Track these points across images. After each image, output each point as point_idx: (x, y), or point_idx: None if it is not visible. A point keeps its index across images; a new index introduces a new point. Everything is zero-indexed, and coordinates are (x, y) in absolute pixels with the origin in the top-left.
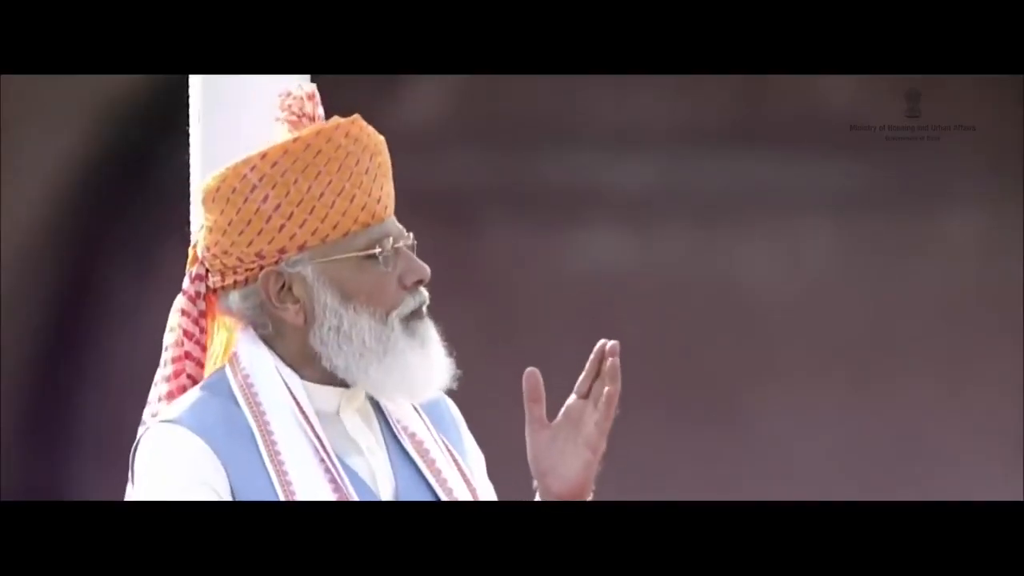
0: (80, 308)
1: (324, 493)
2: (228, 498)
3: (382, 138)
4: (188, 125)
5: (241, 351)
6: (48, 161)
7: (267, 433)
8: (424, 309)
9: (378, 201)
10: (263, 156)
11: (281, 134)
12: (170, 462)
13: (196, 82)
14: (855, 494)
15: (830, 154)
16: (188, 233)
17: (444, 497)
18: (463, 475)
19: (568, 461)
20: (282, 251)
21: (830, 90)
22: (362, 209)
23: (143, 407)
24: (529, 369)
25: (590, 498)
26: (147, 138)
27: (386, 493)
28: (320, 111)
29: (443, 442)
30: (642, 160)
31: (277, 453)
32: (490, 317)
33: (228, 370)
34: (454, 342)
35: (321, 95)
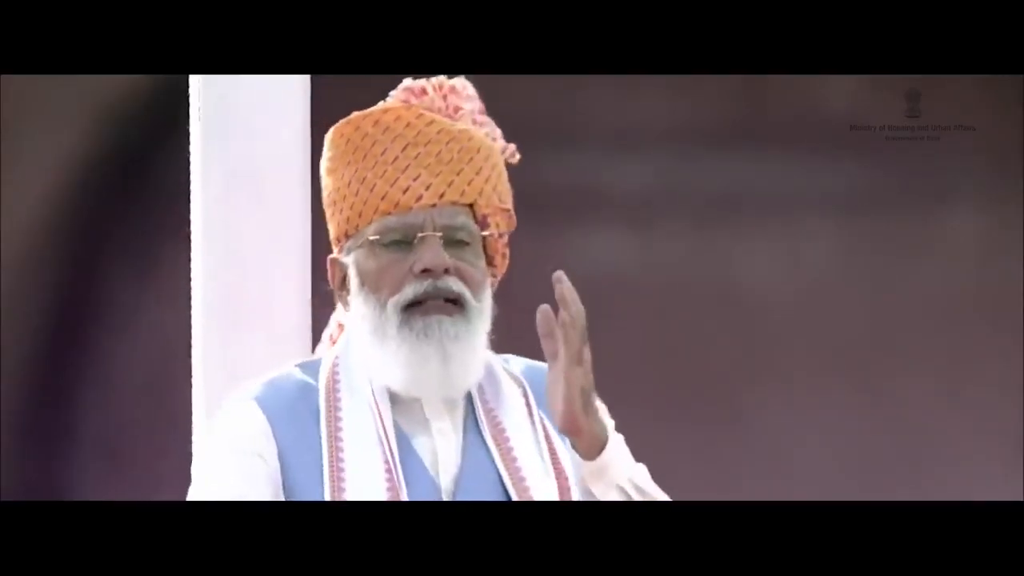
0: (80, 308)
1: (375, 475)
2: (275, 471)
3: (441, 129)
4: (188, 125)
5: (345, 332)
6: (48, 161)
7: (334, 410)
8: (433, 303)
9: (404, 191)
10: (324, 146)
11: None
12: (224, 432)
13: (196, 82)
14: (855, 494)
15: (830, 154)
16: (188, 233)
17: (510, 483)
18: (553, 457)
19: (554, 397)
20: (336, 239)
21: (830, 90)
22: (382, 198)
23: (143, 407)
24: (542, 307)
25: (597, 443)
26: (147, 138)
27: (447, 477)
28: (462, 104)
29: (540, 421)
30: (642, 160)
31: (339, 430)
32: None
33: (331, 349)
34: None
35: (321, 95)
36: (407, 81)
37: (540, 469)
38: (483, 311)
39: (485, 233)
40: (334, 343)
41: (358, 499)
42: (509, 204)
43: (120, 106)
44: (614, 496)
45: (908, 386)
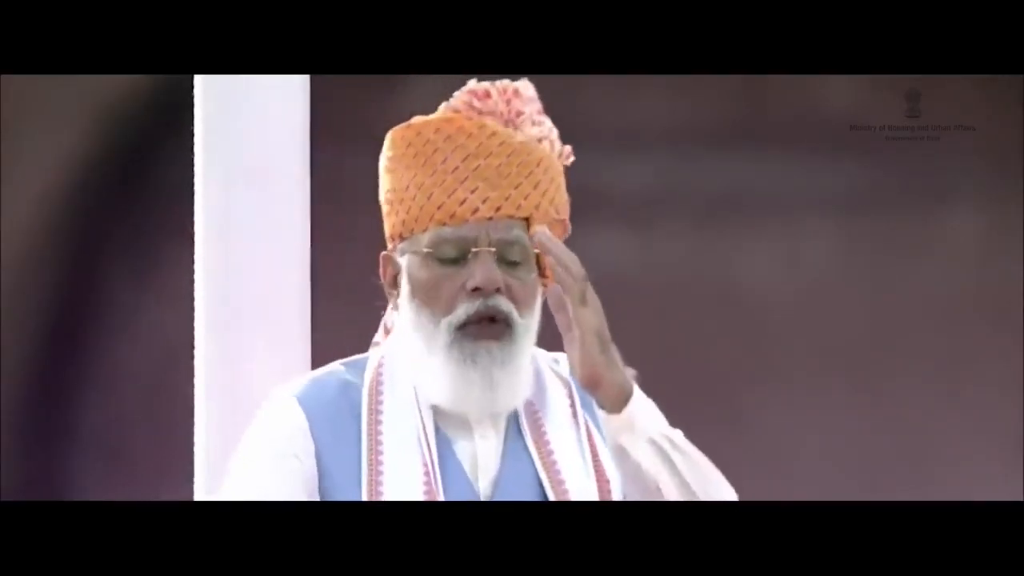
0: (80, 308)
1: (413, 478)
2: (311, 472)
3: (502, 142)
4: (191, 125)
5: (393, 331)
6: (48, 161)
7: (376, 411)
8: (483, 327)
9: (461, 202)
10: (384, 145)
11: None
12: (264, 430)
13: (199, 82)
14: (855, 494)
15: (830, 154)
16: (191, 233)
17: (549, 487)
18: (595, 460)
19: (571, 353)
20: (391, 238)
21: (830, 90)
22: (439, 208)
23: (143, 406)
24: (552, 286)
25: (621, 394)
26: (149, 138)
27: (485, 481)
28: (523, 108)
29: (585, 423)
30: (642, 160)
31: (379, 432)
32: None
33: (377, 349)
34: None
35: (321, 95)
36: (471, 83)
37: (581, 472)
38: (530, 329)
39: (538, 250)
40: (388, 334)
41: (395, 500)
42: (565, 215)
43: (121, 106)
44: (646, 451)
45: (908, 386)
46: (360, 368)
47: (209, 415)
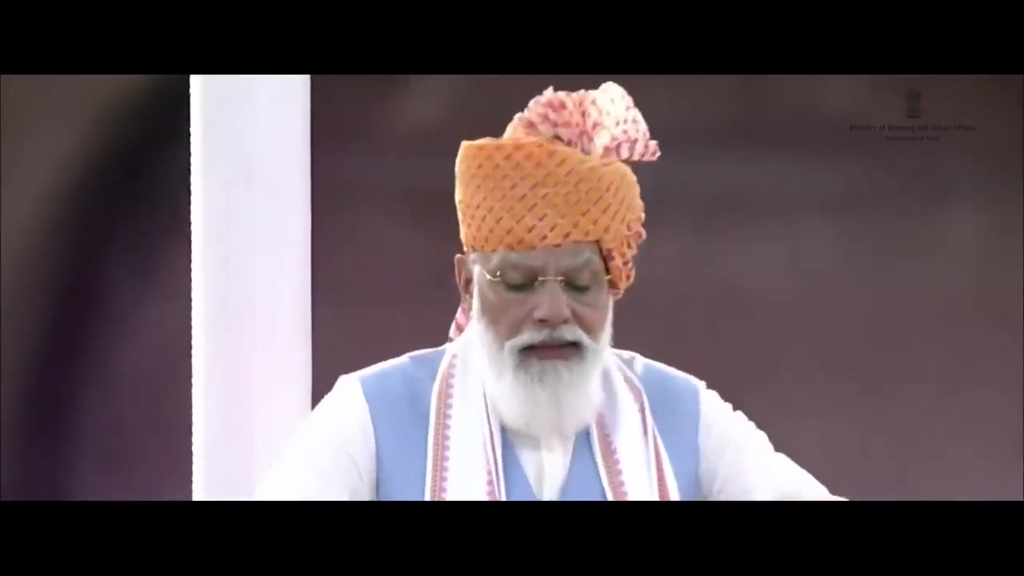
0: (80, 308)
1: (477, 483)
2: (366, 471)
3: (570, 170)
4: (189, 125)
5: (466, 333)
6: (48, 161)
7: (444, 416)
8: (550, 348)
9: (529, 229)
10: (459, 154)
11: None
12: (324, 419)
13: (197, 82)
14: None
15: (830, 154)
16: (189, 233)
17: (612, 499)
18: (660, 481)
19: None
20: (466, 245)
21: (830, 90)
22: (507, 232)
23: (143, 406)
24: None
25: None
26: (148, 138)
27: (551, 490)
28: (601, 120)
29: (654, 439)
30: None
31: (446, 438)
32: None
33: (450, 347)
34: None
35: (321, 95)
36: (547, 93)
37: (646, 489)
38: (599, 349)
39: (608, 276)
40: (459, 331)
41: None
42: (639, 226)
43: (120, 106)
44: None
45: (908, 386)
46: (430, 365)
47: (208, 415)
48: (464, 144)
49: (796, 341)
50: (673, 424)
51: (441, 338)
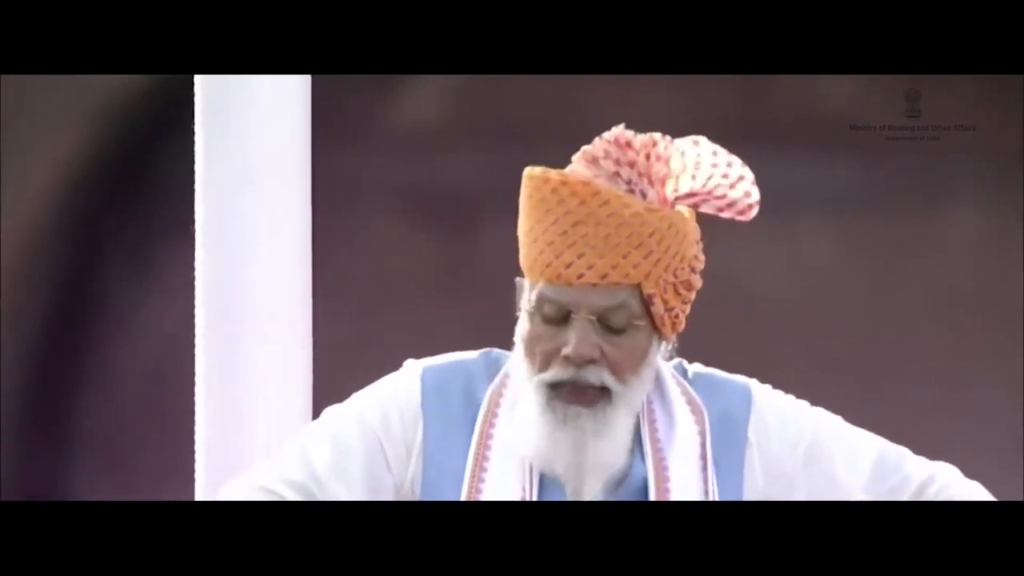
0: (81, 308)
1: (511, 491)
2: (397, 460)
3: (612, 212)
4: (192, 125)
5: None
6: (49, 161)
7: (490, 425)
8: (574, 389)
9: (567, 266)
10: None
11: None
12: (374, 397)
13: (199, 82)
14: None
15: (830, 154)
16: (192, 233)
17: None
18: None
19: None
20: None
21: (830, 90)
22: (547, 266)
23: (144, 407)
24: None
25: None
26: (149, 138)
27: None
28: (649, 163)
29: (712, 476)
30: None
31: (487, 448)
32: (489, 318)
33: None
34: (454, 343)
35: (321, 95)
36: (616, 129)
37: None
38: (629, 394)
39: (655, 319)
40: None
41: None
42: (689, 274)
43: (121, 106)
44: None
45: (908, 386)
46: (494, 365)
47: (209, 416)
48: (528, 168)
49: (796, 341)
50: (724, 445)
51: (441, 338)
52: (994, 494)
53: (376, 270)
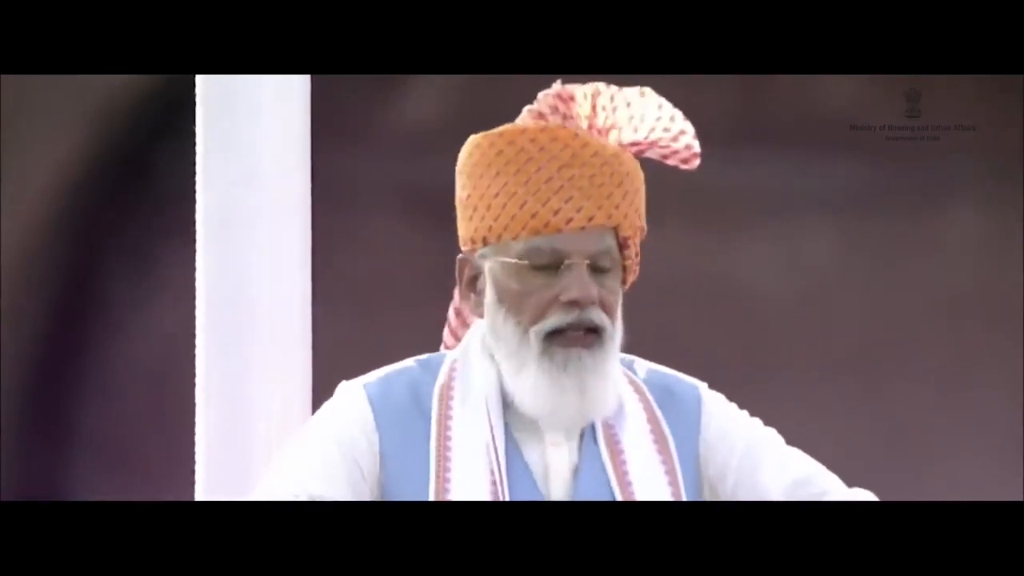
0: (81, 308)
1: (480, 485)
2: (370, 472)
3: (595, 152)
4: (192, 125)
5: (468, 334)
6: (50, 161)
7: (446, 418)
8: (574, 334)
9: (555, 212)
10: (465, 148)
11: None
12: (327, 421)
13: (200, 82)
14: None
15: (830, 154)
16: (192, 233)
17: (620, 498)
18: (671, 478)
19: None
20: (472, 241)
21: (830, 90)
22: (532, 216)
23: (144, 407)
24: None
25: None
26: (149, 138)
27: (558, 490)
28: (595, 113)
29: (667, 439)
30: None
31: (448, 439)
32: None
33: (451, 352)
34: None
35: (321, 95)
36: (556, 85)
37: (654, 487)
38: (616, 336)
39: (626, 262)
40: (453, 334)
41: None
42: (643, 220)
43: (122, 106)
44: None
45: (908, 386)
46: (434, 367)
47: (210, 416)
48: (477, 136)
49: (796, 341)
50: (674, 428)
51: (441, 338)
52: (994, 494)
53: (376, 270)
